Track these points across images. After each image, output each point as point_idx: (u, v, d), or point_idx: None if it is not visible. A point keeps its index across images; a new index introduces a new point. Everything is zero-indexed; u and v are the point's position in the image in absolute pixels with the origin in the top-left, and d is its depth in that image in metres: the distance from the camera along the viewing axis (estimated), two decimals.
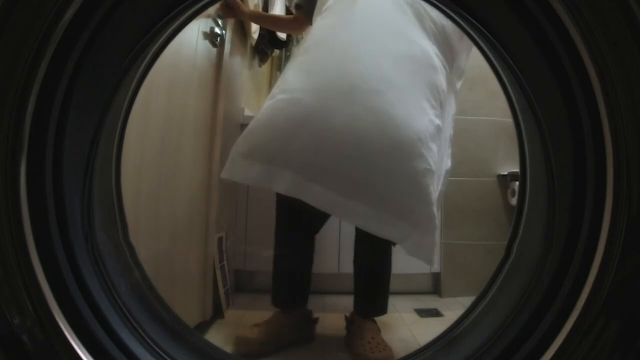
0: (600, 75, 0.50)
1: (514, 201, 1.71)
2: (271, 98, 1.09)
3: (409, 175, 1.01)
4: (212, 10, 1.33)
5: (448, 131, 1.17)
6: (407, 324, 1.52)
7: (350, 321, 1.27)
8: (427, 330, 1.33)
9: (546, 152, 0.61)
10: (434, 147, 1.05)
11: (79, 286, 0.60)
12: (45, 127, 0.55)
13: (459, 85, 1.21)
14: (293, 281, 1.25)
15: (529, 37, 0.57)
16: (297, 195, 1.01)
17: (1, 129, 0.51)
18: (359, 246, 1.26)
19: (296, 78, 1.08)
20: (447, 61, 1.11)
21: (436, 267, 1.82)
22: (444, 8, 0.68)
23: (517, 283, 0.71)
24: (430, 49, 1.08)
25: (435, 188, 1.07)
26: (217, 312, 1.43)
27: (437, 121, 1.06)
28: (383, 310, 1.29)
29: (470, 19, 0.62)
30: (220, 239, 1.51)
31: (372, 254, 1.26)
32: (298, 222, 1.23)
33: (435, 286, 1.84)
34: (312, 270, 1.26)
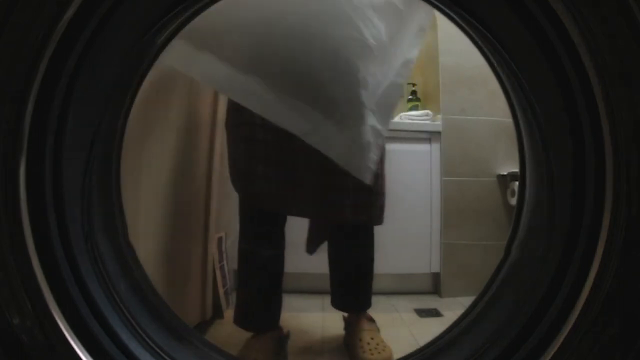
0: (600, 75, 0.50)
1: (513, 201, 1.71)
2: None
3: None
4: None
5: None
6: (406, 324, 1.52)
7: (348, 322, 1.26)
8: (426, 330, 1.33)
9: (546, 152, 0.61)
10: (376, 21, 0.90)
11: (79, 286, 0.60)
12: (45, 128, 0.55)
13: None
14: (268, 298, 1.18)
15: (528, 37, 0.57)
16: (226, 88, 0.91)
17: (0, 129, 0.51)
18: (334, 237, 1.24)
19: None
20: None
21: (436, 267, 1.82)
22: (443, 8, 0.68)
23: (516, 283, 0.71)
24: None
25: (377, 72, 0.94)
26: (217, 312, 1.43)
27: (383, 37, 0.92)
28: (367, 303, 1.24)
29: (470, 19, 0.62)
30: (219, 239, 1.51)
31: (349, 245, 1.24)
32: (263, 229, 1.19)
33: (435, 286, 1.84)
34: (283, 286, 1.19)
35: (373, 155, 0.93)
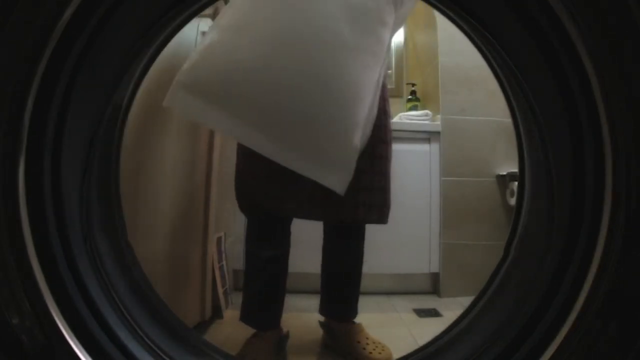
0: (600, 75, 0.50)
1: (513, 201, 1.71)
2: (217, 28, 1.03)
3: (333, 124, 0.98)
4: (211, 9, 1.33)
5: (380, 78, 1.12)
6: (406, 324, 1.52)
7: (327, 325, 1.26)
8: (426, 330, 1.33)
9: (545, 153, 0.61)
10: (366, 98, 1.02)
11: (78, 286, 0.60)
12: (44, 128, 0.55)
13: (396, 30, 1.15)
14: (268, 298, 1.21)
15: (528, 37, 0.57)
16: (235, 136, 1.00)
17: (0, 129, 0.51)
18: (327, 244, 1.25)
19: (242, 13, 1.03)
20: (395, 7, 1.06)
21: (435, 267, 1.83)
22: (443, 9, 0.68)
23: (516, 283, 0.71)
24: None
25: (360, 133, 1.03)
26: (216, 312, 1.43)
27: (375, 74, 1.03)
28: (355, 312, 1.26)
29: (470, 19, 0.62)
30: (219, 239, 1.51)
31: (342, 253, 1.25)
32: (269, 233, 1.21)
33: (434, 286, 1.84)
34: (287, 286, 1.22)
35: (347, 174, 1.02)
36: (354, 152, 1.00)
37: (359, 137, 1.01)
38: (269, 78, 0.97)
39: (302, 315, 1.35)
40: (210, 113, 0.97)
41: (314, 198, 1.13)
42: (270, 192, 1.15)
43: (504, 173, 1.81)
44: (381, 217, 1.20)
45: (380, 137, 1.18)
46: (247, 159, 1.16)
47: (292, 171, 1.08)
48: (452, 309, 1.62)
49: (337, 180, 0.99)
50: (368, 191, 1.17)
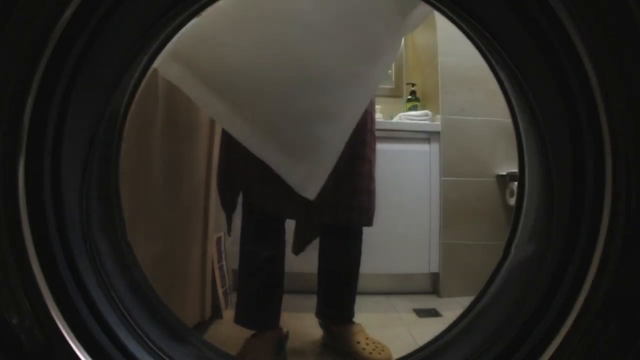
0: (600, 75, 0.50)
1: (512, 201, 1.71)
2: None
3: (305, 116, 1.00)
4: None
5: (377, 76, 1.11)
6: (405, 324, 1.52)
7: (326, 326, 1.26)
8: (425, 330, 1.33)
9: (545, 153, 0.61)
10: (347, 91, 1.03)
11: (78, 286, 0.60)
12: (44, 128, 0.55)
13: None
14: (267, 298, 1.21)
15: (528, 37, 0.57)
16: (211, 113, 1.04)
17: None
18: (324, 245, 1.24)
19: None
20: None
21: (435, 267, 1.82)
22: (443, 9, 0.68)
23: (516, 283, 0.71)
24: None
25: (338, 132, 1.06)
26: (216, 312, 1.42)
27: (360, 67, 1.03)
28: (352, 314, 1.25)
29: (470, 19, 0.62)
30: (219, 239, 1.51)
31: (339, 253, 1.24)
32: (266, 231, 1.21)
33: (434, 286, 1.84)
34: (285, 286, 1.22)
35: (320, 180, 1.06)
36: (329, 154, 1.02)
37: (339, 139, 1.03)
38: (254, 63, 0.99)
39: (302, 315, 1.35)
40: (192, 82, 1.00)
41: (309, 200, 1.13)
42: (267, 192, 1.15)
43: (504, 173, 1.81)
44: (368, 219, 1.20)
45: (364, 139, 1.17)
46: (241, 153, 1.14)
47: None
48: (452, 309, 1.62)
49: (304, 180, 1.02)
50: (347, 193, 1.17)
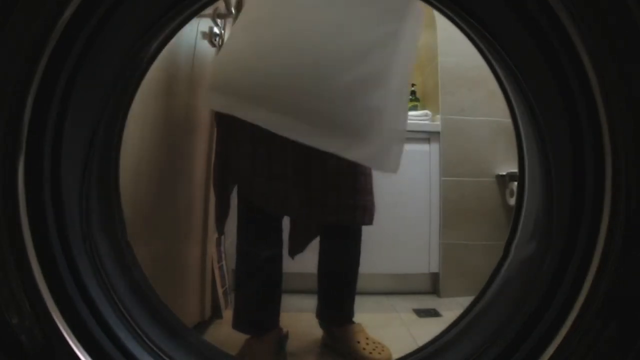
0: (600, 75, 0.50)
1: (512, 201, 1.71)
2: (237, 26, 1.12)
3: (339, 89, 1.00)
4: (210, 9, 1.33)
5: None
6: (405, 324, 1.52)
7: (326, 326, 1.26)
8: (425, 330, 1.33)
9: (545, 153, 0.61)
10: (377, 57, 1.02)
11: (77, 286, 0.60)
12: (44, 128, 0.55)
13: None
14: (267, 298, 1.20)
15: (528, 37, 0.57)
16: (264, 124, 1.02)
17: None
18: (324, 245, 1.24)
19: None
20: None
21: (435, 267, 1.83)
22: (443, 9, 0.68)
23: (515, 283, 0.71)
24: None
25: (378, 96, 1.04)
26: (216, 312, 1.43)
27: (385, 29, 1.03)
28: (351, 314, 1.25)
29: (470, 19, 0.62)
30: (218, 239, 1.51)
31: (339, 254, 1.24)
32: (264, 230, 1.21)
33: (434, 286, 1.84)
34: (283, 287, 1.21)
35: (398, 151, 1.06)
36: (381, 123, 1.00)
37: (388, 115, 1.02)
38: (283, 57, 1.00)
39: (302, 315, 1.35)
40: (237, 105, 1.03)
41: (298, 195, 1.13)
42: (268, 191, 1.14)
43: (504, 173, 1.81)
44: (369, 218, 1.20)
45: None
46: (235, 142, 1.16)
47: (292, 171, 1.08)
48: (451, 309, 1.62)
49: (378, 154, 1.02)
50: (344, 192, 1.17)
